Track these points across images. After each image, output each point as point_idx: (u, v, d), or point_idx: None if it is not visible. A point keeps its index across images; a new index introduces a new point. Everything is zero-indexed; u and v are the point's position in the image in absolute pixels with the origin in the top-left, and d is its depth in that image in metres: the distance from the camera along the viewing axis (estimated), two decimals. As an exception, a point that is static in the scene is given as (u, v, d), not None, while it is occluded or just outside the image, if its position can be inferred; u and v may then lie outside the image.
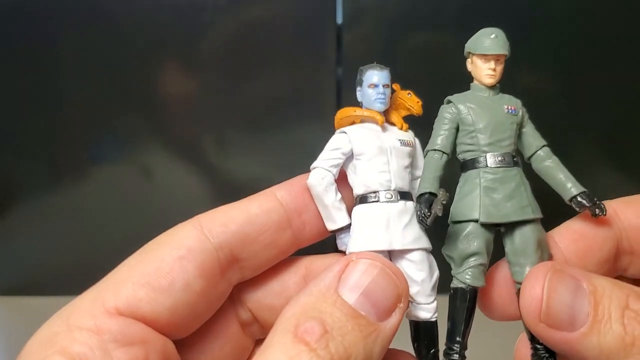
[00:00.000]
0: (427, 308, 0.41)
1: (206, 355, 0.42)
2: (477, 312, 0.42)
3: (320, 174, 0.41)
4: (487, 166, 0.42)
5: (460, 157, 0.43)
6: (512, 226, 0.42)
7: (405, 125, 0.44)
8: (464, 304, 0.41)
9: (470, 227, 0.41)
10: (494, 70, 0.43)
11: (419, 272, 0.41)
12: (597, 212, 0.41)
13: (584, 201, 0.41)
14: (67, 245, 0.92)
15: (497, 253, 0.43)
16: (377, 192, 0.41)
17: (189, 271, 0.37)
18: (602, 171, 0.90)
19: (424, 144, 0.44)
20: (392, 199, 0.41)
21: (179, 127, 0.91)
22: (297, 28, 0.85)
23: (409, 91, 0.45)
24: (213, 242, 0.39)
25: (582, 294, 0.36)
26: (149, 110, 0.89)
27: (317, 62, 0.86)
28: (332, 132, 0.97)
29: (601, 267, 0.42)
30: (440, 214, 0.39)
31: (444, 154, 0.42)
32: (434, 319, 0.41)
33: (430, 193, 0.40)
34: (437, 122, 0.43)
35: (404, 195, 0.42)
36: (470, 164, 0.42)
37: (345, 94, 0.88)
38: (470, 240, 0.41)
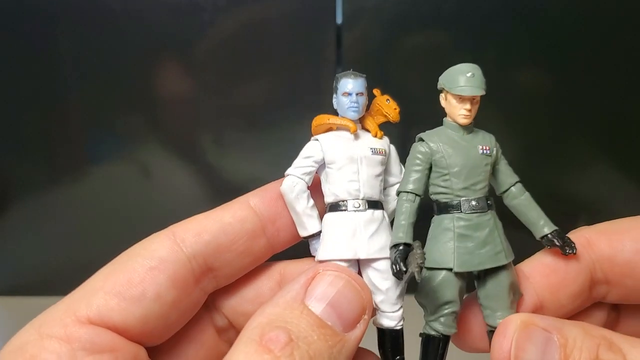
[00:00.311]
0: (392, 316, 0.42)
1: None
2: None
3: (292, 182, 0.42)
4: (461, 211, 0.41)
5: (433, 197, 0.42)
6: (484, 272, 0.41)
7: (379, 133, 0.44)
8: (435, 352, 0.41)
9: (444, 274, 0.41)
10: (469, 111, 0.41)
11: (384, 281, 0.41)
12: (567, 251, 0.41)
13: (554, 240, 0.42)
14: (67, 245, 0.92)
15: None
16: (346, 201, 0.42)
17: (160, 282, 0.38)
18: (601, 170, 0.90)
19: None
20: (359, 208, 0.41)
21: (178, 127, 0.91)
22: (297, 28, 0.85)
23: (387, 97, 0.44)
24: (186, 252, 0.39)
25: (552, 347, 0.36)
26: (148, 110, 0.89)
27: (317, 62, 0.86)
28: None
29: (575, 300, 0.42)
30: (418, 278, 0.38)
31: (417, 196, 0.42)
32: (398, 327, 0.42)
33: (405, 244, 0.40)
34: (409, 160, 0.43)
35: (373, 205, 0.42)
36: (443, 208, 0.42)
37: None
38: (444, 289, 0.41)
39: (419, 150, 0.42)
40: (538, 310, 0.43)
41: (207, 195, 0.91)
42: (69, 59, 0.86)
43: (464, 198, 0.41)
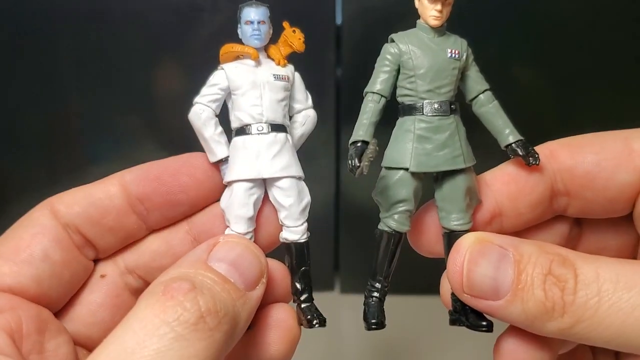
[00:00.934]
0: (296, 230, 0.44)
1: (96, 326, 0.43)
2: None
3: (199, 109, 0.44)
4: (423, 114, 0.41)
5: (399, 99, 0.43)
6: (443, 174, 0.42)
7: (282, 61, 0.45)
8: (387, 247, 0.42)
9: (401, 174, 0.42)
10: (440, 12, 0.41)
11: (287, 198, 0.43)
12: (530, 161, 0.41)
13: (518, 149, 0.42)
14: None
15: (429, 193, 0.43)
16: (250, 125, 0.43)
17: (45, 243, 0.40)
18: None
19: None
20: (263, 131, 0.43)
21: (177, 127, 0.91)
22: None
23: (294, 28, 0.46)
24: (60, 221, 0.42)
25: (507, 263, 0.36)
26: (147, 110, 0.89)
27: (316, 63, 0.86)
28: (331, 132, 0.97)
29: (534, 209, 0.43)
30: (365, 172, 0.39)
31: (382, 97, 0.42)
32: (302, 240, 0.44)
33: (363, 141, 0.40)
34: (378, 61, 0.43)
35: (276, 128, 0.44)
36: (407, 110, 0.42)
37: (344, 94, 0.88)
38: (399, 188, 0.41)
39: (388, 51, 0.43)
40: (496, 216, 0.43)
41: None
42: (69, 59, 0.86)
43: (427, 100, 0.41)
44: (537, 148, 0.43)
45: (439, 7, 0.41)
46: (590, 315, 0.34)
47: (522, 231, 0.44)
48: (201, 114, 0.44)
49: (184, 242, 0.45)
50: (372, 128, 0.41)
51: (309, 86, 0.86)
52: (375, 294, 0.42)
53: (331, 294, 0.95)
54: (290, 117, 0.47)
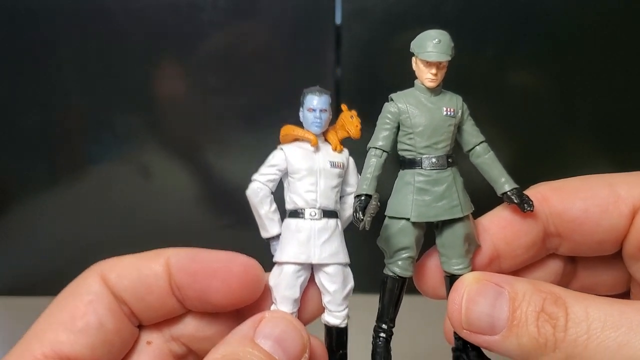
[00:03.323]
0: (337, 315, 0.46)
1: None
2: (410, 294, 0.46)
3: (257, 187, 0.46)
4: (422, 168, 0.44)
5: (400, 154, 0.45)
6: (442, 222, 0.45)
7: (339, 147, 0.47)
8: (392, 291, 0.45)
9: (402, 223, 0.44)
10: (435, 75, 0.44)
11: (332, 284, 0.45)
12: (525, 208, 0.44)
13: (513, 197, 0.44)
14: (66, 245, 0.93)
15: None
16: (304, 209, 0.45)
17: (100, 312, 0.42)
18: (600, 170, 0.90)
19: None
20: (315, 217, 0.45)
21: (177, 127, 0.91)
22: (296, 28, 0.85)
23: (352, 113, 0.48)
24: (111, 290, 0.43)
25: (503, 300, 0.39)
26: (147, 110, 0.89)
27: (316, 63, 0.86)
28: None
29: (529, 250, 0.46)
30: (367, 227, 0.41)
31: (384, 152, 0.44)
32: (343, 325, 0.46)
33: (367, 195, 0.43)
34: (380, 119, 0.45)
35: (328, 214, 0.46)
36: (407, 164, 0.45)
37: (344, 94, 0.88)
38: (402, 236, 0.44)
39: (388, 110, 0.45)
40: (494, 259, 0.46)
41: (206, 195, 0.91)
42: (69, 59, 0.87)
43: (425, 155, 0.44)
44: (530, 191, 0.46)
45: (434, 71, 0.44)
46: (579, 351, 0.36)
47: (519, 270, 0.47)
48: (259, 192, 0.46)
49: (228, 315, 0.46)
50: (375, 182, 0.44)
51: (309, 86, 0.86)
52: (382, 334, 0.45)
53: (331, 293, 0.95)
54: (341, 197, 0.48)
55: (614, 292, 0.49)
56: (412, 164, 0.44)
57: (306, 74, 0.87)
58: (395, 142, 0.45)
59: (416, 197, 0.44)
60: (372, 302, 0.47)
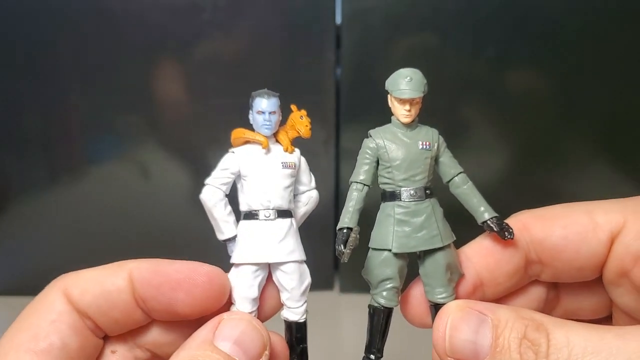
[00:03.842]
0: (296, 311, 0.47)
1: None
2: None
3: (210, 191, 0.47)
4: (401, 200, 0.46)
5: (381, 187, 0.47)
6: (424, 252, 0.46)
7: (290, 148, 0.48)
8: (379, 321, 0.46)
9: (385, 254, 0.46)
10: (409, 111, 0.45)
11: (290, 281, 0.46)
12: (505, 236, 0.45)
13: (493, 226, 0.46)
14: (66, 245, 0.93)
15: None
16: (258, 210, 0.46)
17: (63, 331, 0.41)
18: (600, 170, 0.90)
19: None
20: (269, 217, 0.46)
21: (177, 127, 0.91)
22: (296, 28, 0.85)
23: (302, 113, 0.48)
24: (74, 307, 0.43)
25: (486, 327, 0.40)
26: (147, 110, 0.89)
27: (316, 63, 0.86)
28: (331, 132, 0.97)
29: (511, 278, 0.47)
30: (346, 260, 0.43)
31: (365, 186, 0.46)
32: (302, 320, 0.47)
33: (348, 228, 0.45)
34: (360, 154, 0.47)
35: (282, 213, 0.47)
36: (388, 196, 0.46)
37: (344, 94, 0.88)
38: (385, 267, 0.46)
39: (367, 145, 0.46)
40: (478, 287, 0.47)
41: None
42: (69, 59, 0.87)
43: (404, 188, 0.46)
44: (511, 220, 0.47)
45: (407, 107, 0.45)
46: None
47: (502, 298, 0.48)
48: (212, 196, 0.47)
49: (191, 320, 0.46)
50: (357, 215, 0.45)
51: (309, 86, 0.87)
52: None
53: (331, 293, 0.95)
54: (294, 196, 0.49)
55: (596, 316, 0.50)
56: (392, 196, 0.46)
57: (306, 74, 0.87)
58: (375, 175, 0.47)
59: (397, 229, 0.45)
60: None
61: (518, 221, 0.46)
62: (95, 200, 0.92)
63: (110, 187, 0.91)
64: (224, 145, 0.96)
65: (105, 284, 0.43)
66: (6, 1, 0.84)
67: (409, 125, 0.46)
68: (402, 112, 0.45)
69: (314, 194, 0.50)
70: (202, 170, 0.93)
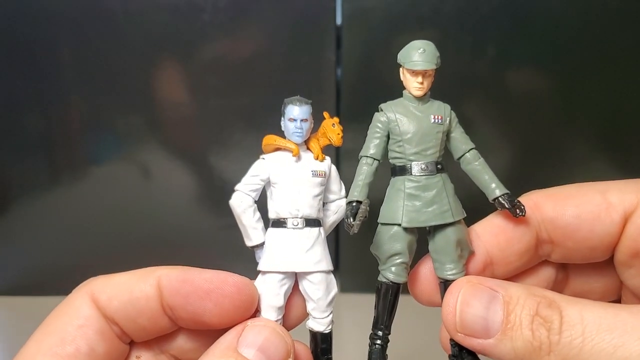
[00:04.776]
0: (322, 322, 0.46)
1: None
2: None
3: (239, 197, 0.46)
4: (411, 174, 0.45)
5: (391, 162, 0.46)
6: (434, 227, 0.45)
7: (321, 156, 0.47)
8: (387, 297, 0.45)
9: (395, 229, 0.45)
10: (422, 84, 0.45)
11: (316, 291, 0.46)
12: (517, 213, 0.44)
13: (505, 202, 0.45)
14: (67, 245, 0.93)
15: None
16: (286, 219, 0.46)
17: (90, 336, 0.41)
18: (600, 170, 0.90)
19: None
20: (298, 226, 0.46)
21: (177, 127, 0.91)
22: (297, 28, 0.85)
23: (334, 121, 0.48)
24: (101, 312, 0.43)
25: (497, 304, 0.39)
26: (148, 110, 0.89)
27: (316, 63, 0.86)
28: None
29: (521, 257, 0.46)
30: (356, 230, 0.42)
31: (375, 160, 0.46)
32: (327, 331, 0.47)
33: (358, 201, 0.44)
34: (370, 128, 0.46)
35: (311, 222, 0.46)
36: (398, 171, 0.46)
37: (345, 94, 0.88)
38: (394, 242, 0.45)
39: (378, 119, 0.46)
40: (488, 265, 0.46)
41: (207, 195, 0.91)
42: (70, 59, 0.87)
43: (414, 162, 0.45)
44: (523, 198, 0.46)
45: (420, 79, 0.45)
46: (574, 354, 0.36)
47: (511, 277, 0.47)
48: (241, 202, 0.46)
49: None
50: (366, 189, 0.45)
51: (310, 86, 0.87)
52: (378, 341, 0.46)
53: (331, 293, 0.95)
54: (324, 204, 0.49)
55: (605, 299, 0.49)
56: (403, 170, 0.45)
57: (307, 74, 0.87)
58: (385, 150, 0.46)
59: (407, 203, 0.45)
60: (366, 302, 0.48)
61: (529, 200, 0.46)
62: (96, 201, 0.92)
63: (111, 188, 0.91)
64: (225, 146, 0.96)
65: (133, 291, 0.43)
66: (6, 1, 0.84)
67: (421, 99, 0.45)
68: (414, 85, 0.45)
69: (344, 202, 0.49)
70: (202, 170, 0.93)
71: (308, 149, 0.47)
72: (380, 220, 0.46)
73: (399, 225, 0.45)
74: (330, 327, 0.47)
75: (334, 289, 0.47)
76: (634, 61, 0.86)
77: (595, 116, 0.89)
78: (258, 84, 0.88)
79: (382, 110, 0.46)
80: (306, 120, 0.46)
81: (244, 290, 0.43)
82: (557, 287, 0.49)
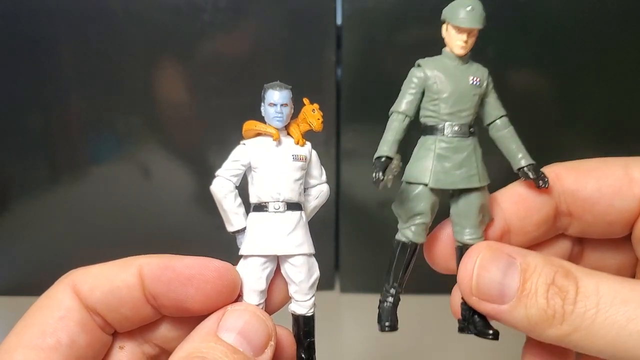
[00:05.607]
0: (304, 305, 0.46)
1: None
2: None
3: (220, 183, 0.46)
4: (443, 135, 0.44)
5: (422, 120, 0.46)
6: (459, 191, 0.45)
7: (301, 141, 0.47)
8: (403, 256, 0.45)
9: (420, 189, 0.45)
10: (466, 42, 0.44)
11: (298, 274, 0.46)
12: (540, 184, 0.44)
13: (529, 173, 0.45)
14: (67, 245, 0.93)
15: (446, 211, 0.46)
16: (267, 203, 0.46)
17: (71, 328, 0.41)
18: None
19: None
20: (279, 210, 0.46)
21: (178, 127, 0.91)
22: (297, 29, 0.85)
23: (314, 106, 0.47)
24: (83, 303, 0.42)
25: (514, 271, 0.39)
26: (148, 110, 0.89)
27: (316, 63, 0.86)
28: (332, 132, 0.97)
29: (539, 228, 0.46)
30: (389, 186, 0.42)
31: (407, 117, 0.45)
32: (309, 314, 0.47)
33: (387, 157, 0.43)
34: (405, 84, 0.45)
35: (292, 206, 0.46)
36: (429, 130, 0.45)
37: (345, 94, 0.88)
38: (418, 201, 0.45)
39: (415, 74, 0.45)
40: (505, 233, 0.46)
41: (207, 195, 0.91)
42: (70, 59, 0.87)
43: (448, 122, 0.44)
44: (544, 169, 0.46)
45: (464, 37, 0.44)
46: (587, 325, 0.36)
47: (527, 248, 0.47)
48: (222, 187, 0.46)
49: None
50: (396, 145, 0.44)
51: (310, 87, 0.87)
52: (390, 298, 0.45)
53: (331, 293, 0.95)
54: (305, 189, 0.49)
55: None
56: (434, 130, 0.44)
57: (307, 74, 0.87)
58: (418, 108, 0.45)
59: (436, 163, 0.44)
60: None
61: (551, 171, 0.46)
62: (96, 201, 0.92)
63: (111, 188, 0.91)
64: (225, 146, 0.95)
65: (114, 281, 0.42)
66: (6, 1, 0.84)
67: (462, 58, 0.44)
68: (458, 43, 0.44)
69: (325, 187, 0.50)
70: (203, 170, 0.93)
71: (288, 134, 0.47)
72: (405, 178, 0.45)
73: (426, 185, 0.44)
74: (312, 310, 0.47)
75: (316, 272, 0.47)
76: (634, 61, 0.86)
77: (595, 116, 0.89)
78: (258, 84, 0.87)
79: (420, 65, 0.45)
80: (286, 104, 0.46)
81: (225, 275, 0.43)
82: (572, 261, 0.47)
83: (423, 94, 0.45)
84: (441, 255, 0.47)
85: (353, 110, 0.87)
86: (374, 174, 0.42)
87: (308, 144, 0.48)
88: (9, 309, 0.90)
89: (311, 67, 0.86)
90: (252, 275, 0.45)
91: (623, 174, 0.44)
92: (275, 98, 0.46)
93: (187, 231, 0.92)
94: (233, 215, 0.46)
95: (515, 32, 0.85)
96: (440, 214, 0.46)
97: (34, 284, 0.97)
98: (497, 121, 0.46)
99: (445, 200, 0.46)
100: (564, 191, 0.45)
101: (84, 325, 0.42)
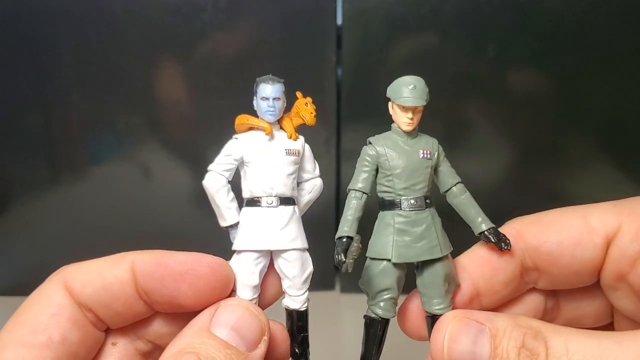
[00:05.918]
0: (298, 299, 0.47)
1: None
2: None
3: (213, 177, 0.47)
4: (401, 209, 0.45)
5: (379, 195, 0.46)
6: (423, 262, 0.45)
7: (294, 135, 0.47)
8: (375, 332, 0.46)
9: (384, 264, 0.45)
10: (411, 119, 0.45)
11: (291, 269, 0.46)
12: (502, 247, 0.45)
13: (491, 236, 0.45)
14: (67, 245, 0.93)
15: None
16: (260, 197, 0.46)
17: (63, 325, 0.41)
18: (600, 170, 0.90)
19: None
20: (272, 204, 0.46)
21: (178, 127, 0.91)
22: (297, 29, 0.85)
23: (307, 100, 0.48)
24: (75, 300, 0.42)
25: (484, 338, 0.39)
26: (148, 110, 0.89)
27: (317, 63, 0.86)
28: (333, 132, 0.97)
29: (507, 286, 0.47)
30: (350, 270, 0.42)
31: (364, 194, 0.45)
32: (303, 309, 0.47)
33: (348, 237, 0.44)
34: (359, 161, 0.46)
35: (285, 201, 0.46)
36: (387, 205, 0.46)
37: (345, 94, 0.88)
38: (383, 277, 0.45)
39: (367, 153, 0.46)
40: (474, 297, 0.47)
41: (206, 195, 0.91)
42: (70, 59, 0.87)
43: (404, 197, 0.45)
44: (505, 227, 0.47)
45: (410, 115, 0.45)
46: None
47: (500, 306, 0.48)
48: (215, 182, 0.46)
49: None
50: (356, 223, 0.45)
51: (310, 87, 0.86)
52: None
53: (331, 293, 0.95)
54: (298, 184, 0.49)
55: (599, 323, 0.49)
56: (392, 205, 0.45)
57: (307, 74, 0.87)
58: (374, 183, 0.46)
59: (396, 238, 0.45)
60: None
61: (512, 229, 0.46)
62: (96, 201, 0.92)
63: (111, 187, 0.91)
64: (225, 145, 0.95)
65: (107, 277, 0.42)
66: (6, 1, 0.84)
67: (410, 134, 0.46)
68: (404, 120, 0.45)
69: (318, 182, 0.50)
70: (203, 170, 0.93)
71: (281, 128, 0.47)
72: (369, 254, 0.46)
73: (389, 260, 0.45)
74: (306, 304, 0.47)
75: (310, 267, 0.47)
76: (634, 61, 0.86)
77: (596, 116, 0.89)
78: (258, 84, 0.88)
79: (371, 143, 0.46)
80: (278, 98, 0.46)
81: (218, 270, 0.43)
82: (549, 315, 0.49)
83: (377, 170, 0.46)
84: (413, 326, 0.47)
85: (353, 111, 0.87)
86: (335, 256, 0.42)
87: (301, 138, 0.48)
88: (9, 309, 0.89)
89: (311, 67, 0.86)
90: (245, 271, 0.45)
91: (582, 224, 0.44)
92: (268, 92, 0.46)
93: (187, 231, 0.92)
94: (226, 210, 0.46)
95: (515, 32, 0.85)
96: (409, 283, 0.47)
97: (34, 284, 0.96)
98: (453, 188, 0.47)
99: (410, 270, 0.46)
100: (527, 248, 0.46)
101: (75, 322, 0.42)
